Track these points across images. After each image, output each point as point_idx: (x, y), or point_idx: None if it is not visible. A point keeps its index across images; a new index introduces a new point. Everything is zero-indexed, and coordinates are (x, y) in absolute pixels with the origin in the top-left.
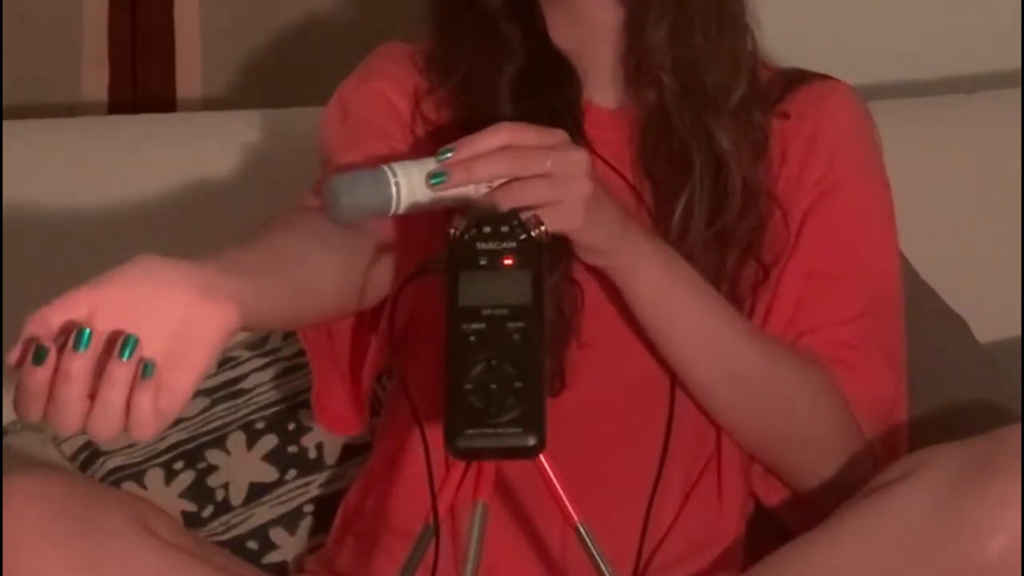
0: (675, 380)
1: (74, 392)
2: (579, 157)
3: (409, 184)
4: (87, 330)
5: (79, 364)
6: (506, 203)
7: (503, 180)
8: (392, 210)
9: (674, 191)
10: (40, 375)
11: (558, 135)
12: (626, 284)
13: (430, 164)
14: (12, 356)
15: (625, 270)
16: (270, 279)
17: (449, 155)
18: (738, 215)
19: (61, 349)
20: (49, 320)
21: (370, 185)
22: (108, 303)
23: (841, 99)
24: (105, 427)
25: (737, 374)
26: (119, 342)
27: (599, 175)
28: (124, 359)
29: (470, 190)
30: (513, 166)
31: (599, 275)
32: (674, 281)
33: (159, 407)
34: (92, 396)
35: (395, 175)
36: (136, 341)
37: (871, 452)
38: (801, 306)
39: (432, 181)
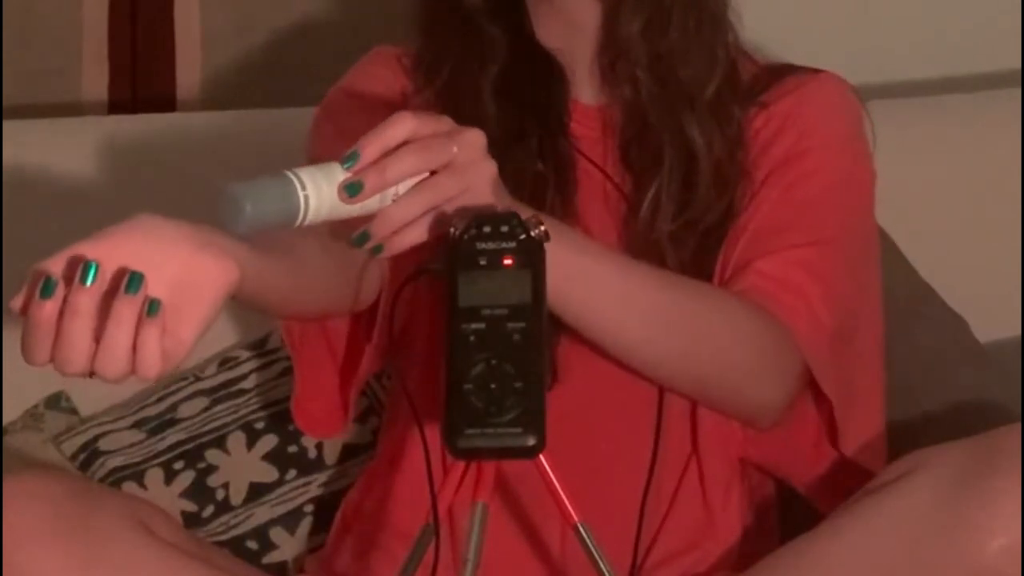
0: None
1: (81, 326)
2: (477, 138)
3: (318, 195)
4: (93, 264)
5: (86, 298)
6: (422, 207)
7: (410, 183)
8: (298, 223)
9: (646, 184)
10: (48, 308)
11: (447, 120)
12: None
13: (336, 171)
14: (16, 301)
15: None
16: (266, 253)
17: (356, 160)
18: (707, 206)
19: (68, 289)
20: (53, 266)
21: (277, 195)
22: (112, 251)
23: (823, 84)
24: (112, 365)
25: (661, 324)
26: (125, 279)
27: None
28: (130, 294)
29: (375, 201)
30: (423, 159)
31: None
32: (579, 251)
33: (165, 348)
34: (99, 339)
35: (303, 186)
36: (142, 277)
37: (802, 364)
38: (749, 242)
39: (348, 192)
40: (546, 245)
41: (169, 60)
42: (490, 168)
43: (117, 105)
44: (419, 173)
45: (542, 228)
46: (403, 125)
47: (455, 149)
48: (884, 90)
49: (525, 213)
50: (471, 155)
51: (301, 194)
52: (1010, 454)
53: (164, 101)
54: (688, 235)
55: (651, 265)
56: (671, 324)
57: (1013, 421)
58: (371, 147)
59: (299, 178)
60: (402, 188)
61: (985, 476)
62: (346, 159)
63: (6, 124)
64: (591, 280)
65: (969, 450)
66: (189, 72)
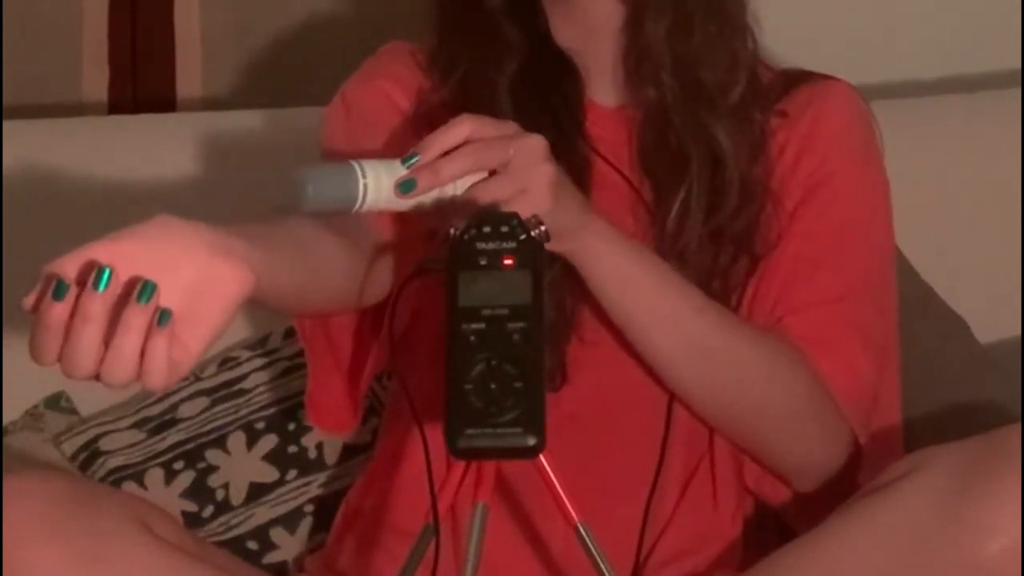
0: None
1: (91, 331)
2: (537, 142)
3: (377, 186)
4: (107, 269)
5: (98, 303)
6: (480, 202)
7: (467, 183)
8: (355, 209)
9: (672, 189)
10: (59, 310)
11: (512, 125)
12: (588, 266)
13: (397, 168)
14: (28, 300)
15: (587, 253)
16: (281, 253)
17: (415, 160)
18: (733, 212)
19: (80, 292)
20: (67, 267)
21: (339, 181)
22: (126, 256)
23: (839, 96)
24: (118, 372)
25: (698, 348)
26: (137, 287)
27: (599, 165)
28: (142, 303)
29: (433, 195)
30: (477, 160)
31: None
32: (633, 260)
33: (173, 358)
34: (108, 344)
35: (364, 175)
36: (154, 287)
37: (849, 432)
38: (783, 289)
39: (401, 190)
40: (597, 249)
41: (169, 60)
42: (548, 171)
43: (117, 105)
44: (473, 173)
45: (542, 228)
46: (462, 128)
47: (511, 151)
48: (884, 90)
49: (594, 217)
50: (529, 158)
51: (361, 182)
52: (1010, 454)
53: (164, 101)
54: (714, 241)
55: (699, 291)
56: (705, 347)
57: (1013, 421)
58: (431, 149)
59: (361, 167)
60: (460, 189)
61: (985, 476)
62: (406, 158)
63: (6, 124)
64: (641, 291)
65: (969, 450)
66: (189, 72)
